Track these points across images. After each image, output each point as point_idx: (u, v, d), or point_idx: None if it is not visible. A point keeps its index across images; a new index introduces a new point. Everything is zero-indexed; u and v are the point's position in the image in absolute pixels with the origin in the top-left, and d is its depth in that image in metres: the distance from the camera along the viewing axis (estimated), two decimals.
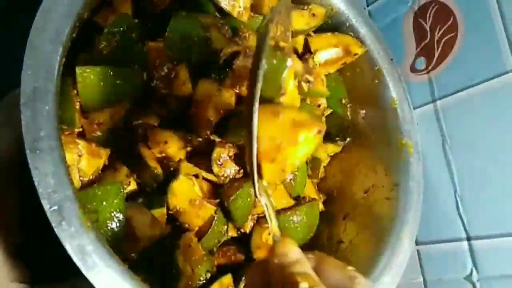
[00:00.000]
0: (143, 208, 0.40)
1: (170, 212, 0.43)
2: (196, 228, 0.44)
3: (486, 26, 0.49)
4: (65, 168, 0.32)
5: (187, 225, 0.44)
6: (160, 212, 0.42)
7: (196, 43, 0.43)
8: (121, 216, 0.36)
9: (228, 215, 0.46)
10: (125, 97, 0.39)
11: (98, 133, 0.39)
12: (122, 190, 0.37)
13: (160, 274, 0.42)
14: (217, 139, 0.44)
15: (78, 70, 0.36)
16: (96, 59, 0.38)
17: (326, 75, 0.55)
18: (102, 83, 0.37)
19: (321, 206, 0.54)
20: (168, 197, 0.42)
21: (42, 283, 0.39)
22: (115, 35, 0.38)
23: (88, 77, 0.36)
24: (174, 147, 0.44)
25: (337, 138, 0.56)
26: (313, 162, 0.55)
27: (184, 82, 0.44)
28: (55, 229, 0.31)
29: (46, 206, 0.31)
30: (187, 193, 0.43)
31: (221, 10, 0.47)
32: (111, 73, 0.37)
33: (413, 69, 0.58)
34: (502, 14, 0.48)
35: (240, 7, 0.47)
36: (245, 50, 0.44)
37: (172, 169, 0.44)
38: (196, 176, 0.44)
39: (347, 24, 0.53)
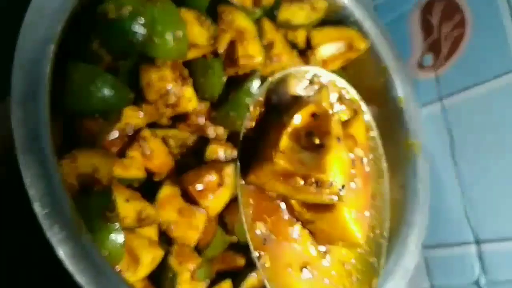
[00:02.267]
0: (139, 233, 0.39)
1: (162, 229, 0.42)
2: (193, 243, 0.43)
3: (495, 22, 0.48)
4: (58, 170, 0.32)
5: (181, 240, 0.43)
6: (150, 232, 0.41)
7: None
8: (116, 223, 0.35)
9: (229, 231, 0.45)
10: (111, 107, 0.38)
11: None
12: (112, 195, 0.36)
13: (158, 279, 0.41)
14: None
15: (70, 64, 0.35)
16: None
17: None
18: (91, 85, 0.36)
19: None
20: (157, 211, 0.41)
21: None
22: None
23: (79, 73, 0.35)
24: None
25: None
26: None
27: (190, 99, 0.43)
28: (47, 233, 0.30)
29: (37, 208, 0.30)
30: (174, 202, 0.42)
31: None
32: (103, 78, 0.36)
33: (420, 66, 0.56)
34: (510, 10, 0.47)
35: None
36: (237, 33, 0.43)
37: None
38: None
39: (351, 19, 0.52)
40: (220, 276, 0.43)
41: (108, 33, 0.37)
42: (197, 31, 0.43)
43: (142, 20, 0.37)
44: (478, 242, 0.49)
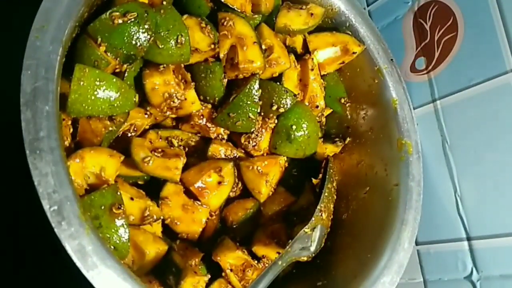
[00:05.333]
0: (144, 229, 0.40)
1: (165, 222, 0.43)
2: (197, 236, 0.45)
3: (486, 26, 0.49)
4: (65, 168, 0.32)
5: (185, 235, 0.44)
6: (154, 227, 0.42)
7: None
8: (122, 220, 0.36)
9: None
10: (117, 110, 0.39)
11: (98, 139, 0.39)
12: (118, 192, 0.37)
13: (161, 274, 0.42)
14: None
15: (77, 66, 0.36)
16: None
17: (325, 75, 0.55)
18: (97, 88, 0.37)
19: None
20: (162, 208, 0.43)
21: None
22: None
23: (86, 76, 0.36)
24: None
25: (336, 139, 0.56)
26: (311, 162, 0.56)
27: (193, 102, 0.45)
28: (55, 229, 0.31)
29: (46, 206, 0.31)
30: (177, 198, 0.43)
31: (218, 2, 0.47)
32: (108, 82, 0.37)
33: (413, 69, 0.58)
34: (502, 14, 0.48)
35: None
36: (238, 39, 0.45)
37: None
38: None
39: (347, 24, 0.53)
40: (219, 270, 0.44)
41: (114, 38, 0.38)
42: (198, 37, 0.44)
43: (146, 25, 0.39)
44: (470, 238, 0.50)
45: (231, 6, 0.46)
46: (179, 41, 0.41)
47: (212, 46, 0.45)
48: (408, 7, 0.59)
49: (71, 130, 0.40)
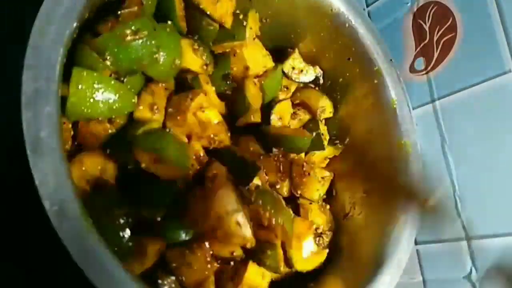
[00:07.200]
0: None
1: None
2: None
3: (485, 26, 0.49)
4: (66, 168, 0.32)
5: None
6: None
7: None
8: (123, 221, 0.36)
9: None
10: (116, 112, 0.39)
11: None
12: (118, 192, 0.37)
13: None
14: None
15: (75, 70, 0.36)
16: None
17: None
18: (96, 91, 0.37)
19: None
20: None
21: None
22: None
23: (84, 79, 0.36)
24: None
25: (336, 141, 0.56)
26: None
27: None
28: (56, 230, 0.31)
29: (46, 206, 0.31)
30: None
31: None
32: (106, 84, 0.37)
33: (412, 70, 0.58)
34: (501, 14, 0.48)
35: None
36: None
37: None
38: None
39: (347, 25, 0.53)
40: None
41: (122, 53, 0.38)
42: (190, 58, 0.45)
43: (153, 44, 0.39)
44: (469, 238, 0.50)
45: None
46: (175, 63, 0.42)
47: (205, 67, 0.46)
48: (407, 7, 0.59)
49: (72, 133, 0.40)
